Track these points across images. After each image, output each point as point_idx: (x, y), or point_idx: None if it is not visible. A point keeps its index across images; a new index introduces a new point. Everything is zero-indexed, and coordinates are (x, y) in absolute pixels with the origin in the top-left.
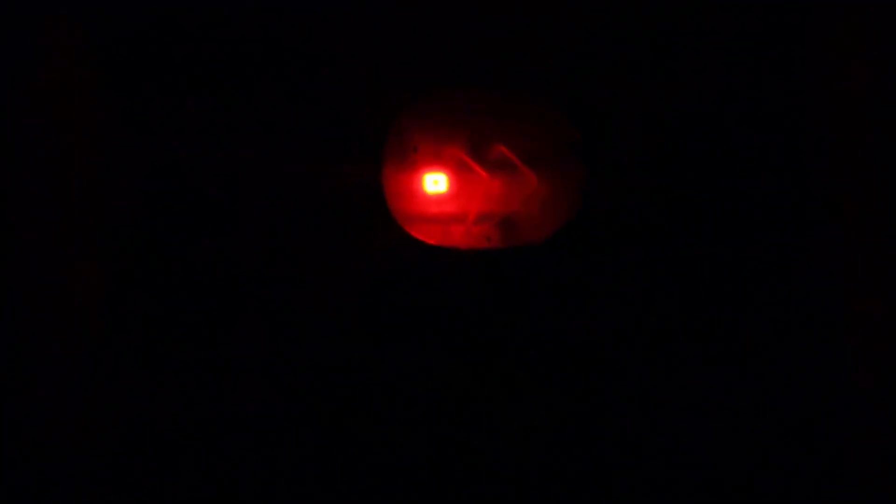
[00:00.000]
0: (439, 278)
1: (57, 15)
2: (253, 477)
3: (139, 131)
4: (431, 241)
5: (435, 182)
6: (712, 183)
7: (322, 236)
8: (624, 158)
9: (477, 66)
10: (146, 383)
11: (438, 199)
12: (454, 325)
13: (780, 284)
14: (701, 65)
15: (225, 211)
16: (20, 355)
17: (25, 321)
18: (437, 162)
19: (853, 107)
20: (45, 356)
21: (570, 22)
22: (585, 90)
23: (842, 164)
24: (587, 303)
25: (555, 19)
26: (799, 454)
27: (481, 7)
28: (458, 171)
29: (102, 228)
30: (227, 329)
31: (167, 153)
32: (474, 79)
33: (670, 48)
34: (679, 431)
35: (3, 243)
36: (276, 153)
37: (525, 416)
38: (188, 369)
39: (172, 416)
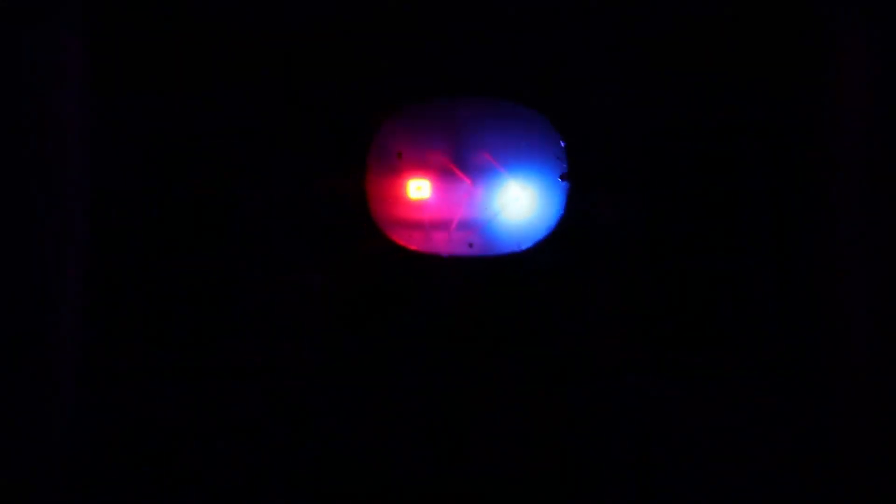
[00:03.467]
0: (421, 284)
1: (53, 17)
2: (236, 478)
3: (129, 135)
4: (413, 247)
5: (418, 188)
6: (696, 191)
7: (305, 241)
8: (607, 167)
9: (462, 74)
10: (132, 385)
11: (421, 205)
12: (436, 330)
13: (763, 300)
14: (685, 74)
15: (209, 215)
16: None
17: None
18: (420, 168)
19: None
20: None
21: (556, 32)
22: (569, 98)
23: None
24: (568, 310)
25: (540, 29)
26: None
27: (468, 17)
28: (441, 178)
29: (93, 231)
30: (210, 331)
31: (154, 156)
32: (459, 87)
33: (655, 58)
34: (666, 435)
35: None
36: (262, 158)
37: (502, 419)
38: (173, 371)
39: (159, 418)
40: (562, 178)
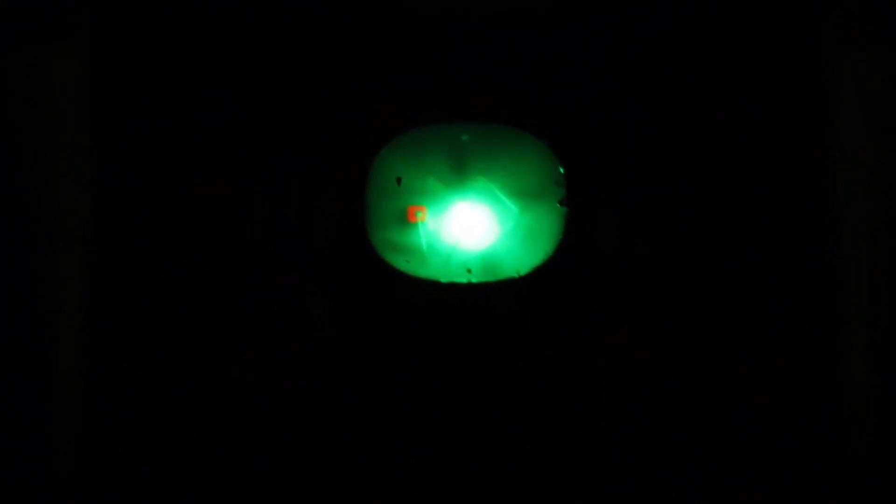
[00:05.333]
0: (419, 311)
1: (53, 32)
2: (235, 482)
3: (129, 140)
4: (412, 273)
5: (417, 214)
6: (696, 218)
7: (302, 267)
8: (607, 192)
9: (461, 99)
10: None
11: (420, 230)
12: (433, 358)
13: (768, 333)
14: (687, 99)
15: (206, 236)
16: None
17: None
18: (419, 194)
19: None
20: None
21: (554, 56)
22: (568, 123)
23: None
24: (567, 338)
25: (538, 53)
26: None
27: (466, 41)
28: (440, 204)
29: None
30: (205, 353)
31: (154, 163)
32: (458, 112)
33: (655, 83)
34: (668, 464)
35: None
36: (259, 182)
37: (500, 449)
38: (170, 376)
39: (150, 435)
40: (561, 203)
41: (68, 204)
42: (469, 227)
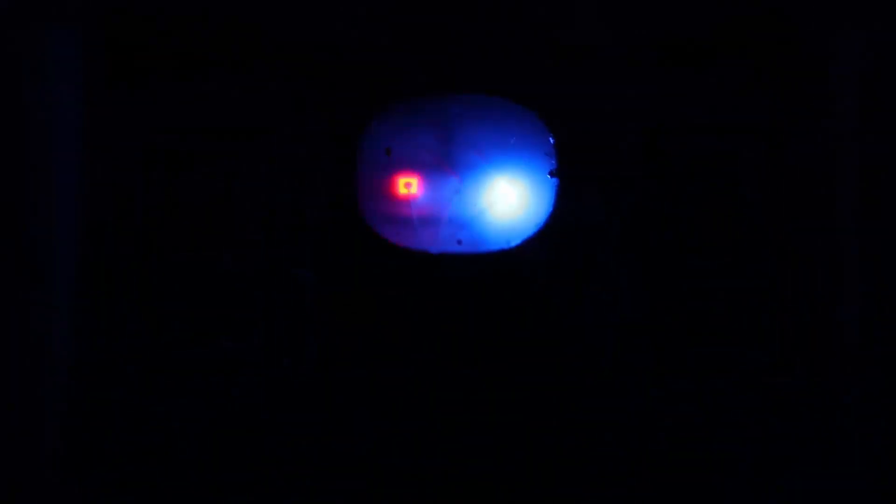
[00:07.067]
0: (410, 281)
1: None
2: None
3: (122, 129)
4: (402, 244)
5: (407, 184)
6: (686, 189)
7: (294, 237)
8: (597, 163)
9: (452, 70)
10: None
11: (410, 201)
12: (424, 326)
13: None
14: (678, 71)
15: (200, 211)
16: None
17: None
18: (409, 165)
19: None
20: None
21: (547, 29)
22: (559, 95)
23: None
24: (557, 307)
25: (532, 26)
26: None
27: (458, 13)
28: (430, 174)
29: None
30: (200, 327)
31: (147, 151)
32: (449, 83)
33: (647, 55)
34: (654, 432)
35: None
36: (251, 155)
37: (490, 418)
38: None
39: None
40: (551, 174)
41: (61, 191)
42: (459, 198)
